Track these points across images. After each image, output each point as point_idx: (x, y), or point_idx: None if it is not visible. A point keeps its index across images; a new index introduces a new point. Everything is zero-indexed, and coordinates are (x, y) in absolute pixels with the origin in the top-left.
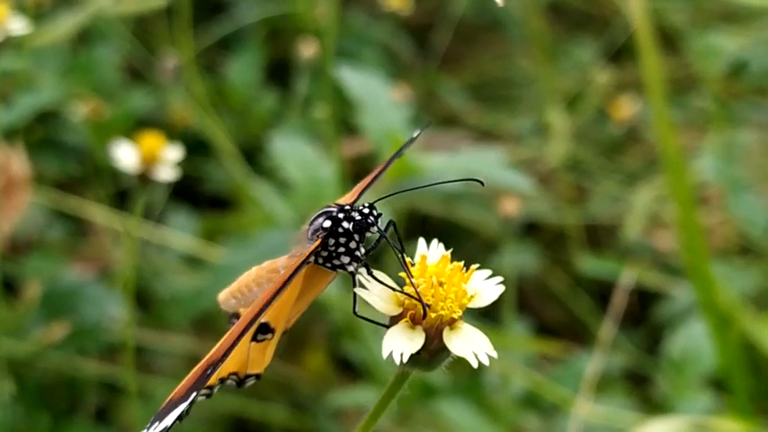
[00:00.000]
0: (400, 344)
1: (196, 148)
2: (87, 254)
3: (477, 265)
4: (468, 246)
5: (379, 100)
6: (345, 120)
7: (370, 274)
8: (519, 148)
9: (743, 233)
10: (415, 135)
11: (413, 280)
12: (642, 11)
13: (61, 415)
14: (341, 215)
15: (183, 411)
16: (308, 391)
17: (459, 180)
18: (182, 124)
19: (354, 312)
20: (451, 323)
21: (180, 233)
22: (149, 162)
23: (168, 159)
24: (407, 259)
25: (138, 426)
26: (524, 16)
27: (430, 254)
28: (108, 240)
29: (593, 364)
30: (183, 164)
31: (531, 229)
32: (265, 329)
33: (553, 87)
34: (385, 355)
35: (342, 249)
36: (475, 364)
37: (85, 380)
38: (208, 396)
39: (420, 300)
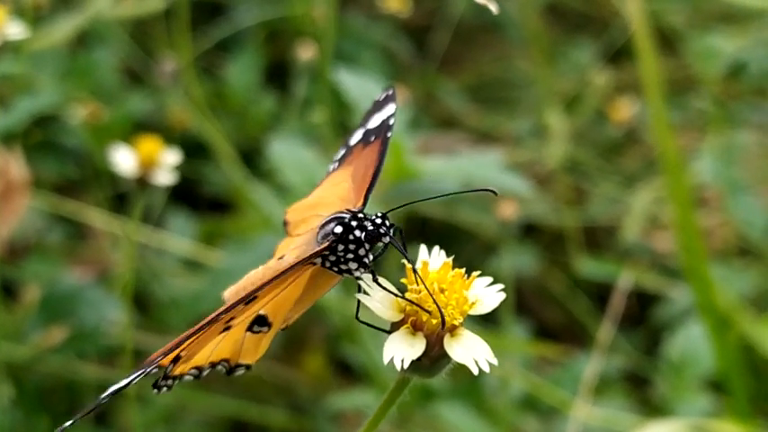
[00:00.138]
0: (401, 350)
1: (195, 150)
2: (86, 257)
3: (479, 273)
4: (468, 248)
5: None
6: (343, 123)
7: (375, 280)
8: (518, 150)
9: (742, 235)
10: (379, 98)
11: (426, 288)
12: (640, 12)
13: (60, 418)
14: (353, 223)
15: (148, 374)
16: (307, 394)
17: (472, 191)
18: (180, 127)
19: (357, 317)
20: (452, 330)
21: (179, 236)
22: (148, 166)
23: (166, 163)
24: (416, 267)
25: (137, 429)
26: (523, 18)
27: (431, 260)
28: (107, 243)
29: (591, 366)
30: (182, 166)
31: (530, 231)
32: (262, 322)
33: (552, 89)
34: (386, 361)
35: (350, 256)
36: (476, 371)
37: (84, 383)
38: (196, 377)
39: (440, 310)
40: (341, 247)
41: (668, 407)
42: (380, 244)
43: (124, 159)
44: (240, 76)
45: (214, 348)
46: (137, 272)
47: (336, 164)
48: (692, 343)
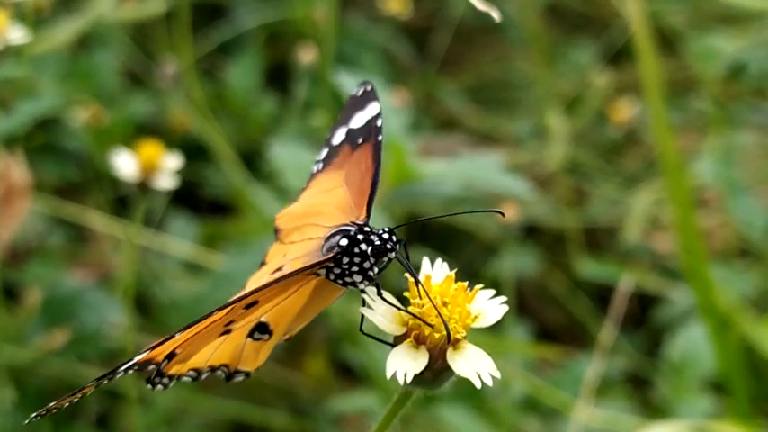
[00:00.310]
0: (404, 364)
1: (195, 153)
2: (87, 260)
3: (481, 286)
4: (469, 249)
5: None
6: None
7: (379, 294)
8: (518, 152)
9: (742, 236)
10: (356, 93)
11: (432, 301)
12: (640, 13)
13: (62, 421)
14: (359, 236)
15: (135, 366)
16: (308, 396)
17: (481, 211)
18: (181, 129)
19: (361, 330)
20: (455, 343)
21: (180, 239)
22: (149, 171)
23: (168, 168)
24: (418, 279)
25: (138, 431)
26: (523, 19)
27: (434, 272)
28: (108, 246)
29: (592, 367)
30: (183, 169)
31: (530, 233)
32: (263, 329)
33: (552, 90)
34: (389, 375)
35: (355, 268)
36: (478, 385)
37: None
38: (194, 379)
39: (445, 324)
40: (345, 259)
41: (669, 408)
42: (385, 258)
43: (125, 164)
44: (241, 78)
45: (213, 352)
46: (138, 275)
47: (320, 164)
48: (692, 344)
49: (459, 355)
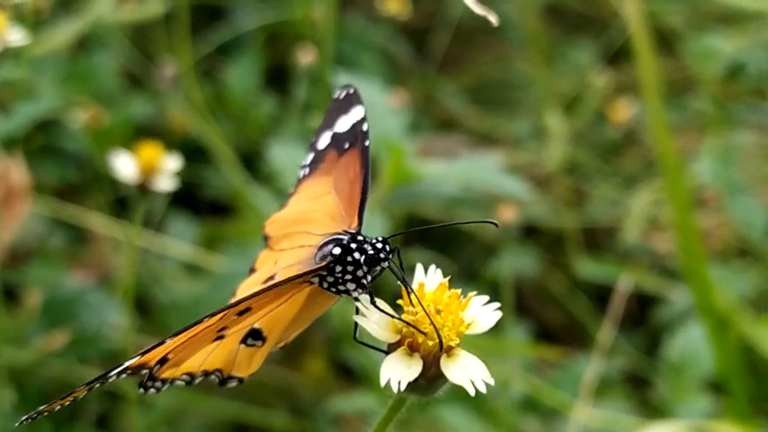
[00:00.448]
0: (398, 372)
1: (195, 154)
2: (87, 261)
3: (475, 293)
4: (468, 249)
5: (377, 107)
6: None
7: (373, 303)
8: (517, 152)
9: (741, 236)
10: (338, 96)
11: (425, 310)
12: (639, 13)
13: (62, 422)
14: (353, 245)
15: (127, 371)
16: (308, 397)
17: (476, 222)
18: (181, 131)
19: (355, 338)
20: (449, 350)
21: (179, 240)
22: (148, 172)
23: (167, 169)
24: (411, 288)
25: None
26: (522, 19)
27: (428, 279)
28: (108, 247)
29: (592, 367)
30: (183, 170)
31: (530, 233)
32: (257, 335)
33: (551, 90)
34: (383, 383)
35: (348, 277)
36: (472, 392)
37: None
38: (188, 383)
39: (438, 332)
40: (339, 268)
41: (668, 408)
42: (378, 267)
43: (125, 166)
44: (240, 79)
45: (207, 357)
46: (138, 276)
47: (307, 170)
48: (691, 344)
49: (453, 363)
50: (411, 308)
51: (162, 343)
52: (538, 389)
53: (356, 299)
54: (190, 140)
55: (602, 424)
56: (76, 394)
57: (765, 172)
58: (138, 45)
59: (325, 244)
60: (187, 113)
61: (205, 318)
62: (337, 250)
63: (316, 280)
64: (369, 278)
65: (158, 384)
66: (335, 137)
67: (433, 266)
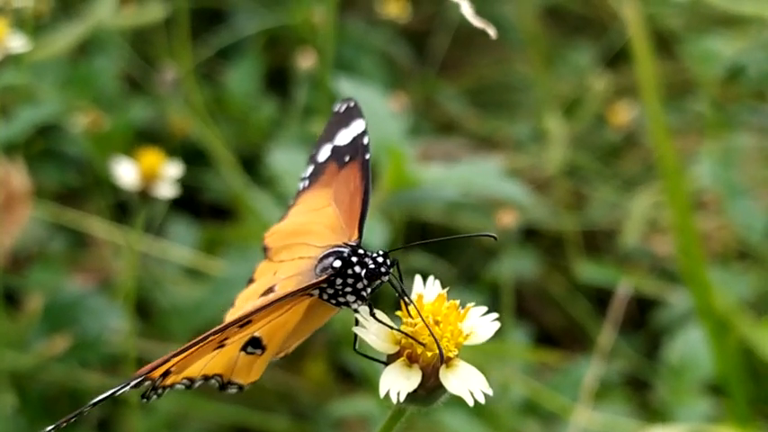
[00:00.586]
0: (397, 383)
1: (195, 157)
2: (88, 265)
3: (473, 304)
4: (468, 252)
5: (377, 111)
6: None
7: (372, 314)
8: (517, 155)
9: (741, 238)
10: (339, 109)
11: (424, 321)
12: (638, 15)
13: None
14: (353, 258)
15: (136, 386)
16: (308, 401)
17: (475, 235)
18: (181, 134)
19: (355, 349)
20: (447, 361)
21: (180, 244)
22: (149, 179)
23: (168, 176)
24: (410, 301)
25: None
26: (521, 21)
27: (426, 291)
28: (108, 252)
29: (592, 370)
30: (183, 174)
31: (530, 235)
32: (256, 344)
33: (551, 92)
34: (382, 393)
35: (348, 289)
36: (471, 403)
37: (87, 391)
38: (188, 387)
39: (438, 343)
40: (339, 281)
41: (668, 411)
42: (378, 281)
43: (126, 172)
44: (240, 82)
45: (207, 362)
46: (138, 280)
47: (306, 182)
48: (691, 347)
49: (452, 373)
50: (410, 319)
51: (167, 361)
52: (538, 392)
53: (355, 310)
54: (190, 144)
55: (602, 427)
56: (83, 411)
57: (765, 174)
58: (138, 49)
59: (326, 256)
60: (187, 117)
61: (210, 334)
62: (338, 263)
63: (316, 291)
64: (368, 291)
65: (159, 391)
66: (336, 150)
67: (431, 277)
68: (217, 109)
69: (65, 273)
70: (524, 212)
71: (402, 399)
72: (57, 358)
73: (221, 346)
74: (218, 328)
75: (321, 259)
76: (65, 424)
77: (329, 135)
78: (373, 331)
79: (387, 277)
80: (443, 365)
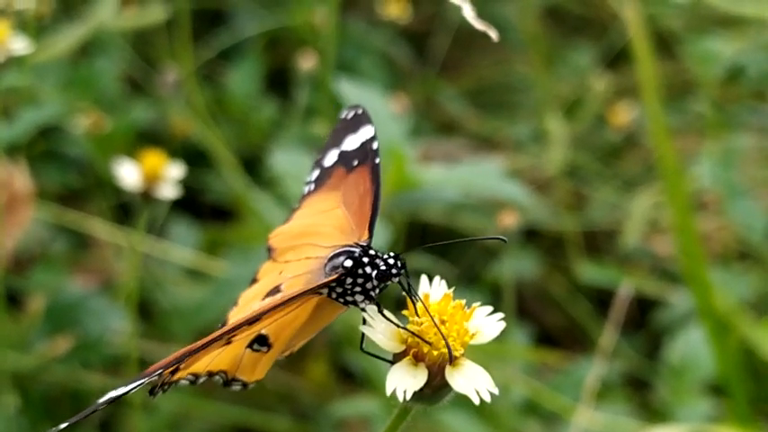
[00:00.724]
0: (404, 381)
1: (196, 159)
2: (90, 266)
3: (479, 303)
4: (469, 253)
5: (378, 112)
6: None
7: (380, 312)
8: (518, 155)
9: (741, 238)
10: (346, 115)
11: (433, 319)
12: (638, 16)
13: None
14: (365, 259)
15: (146, 384)
16: (310, 401)
17: (489, 238)
18: (182, 136)
19: (362, 348)
20: (453, 360)
21: (181, 245)
22: (151, 180)
23: (170, 177)
24: (419, 299)
25: None
26: (522, 22)
27: (432, 290)
28: (110, 253)
29: (593, 371)
30: (184, 175)
31: (530, 236)
32: (263, 341)
33: (551, 93)
34: (389, 392)
35: (358, 289)
36: (477, 401)
37: (89, 392)
38: (192, 382)
39: (446, 342)
40: (349, 280)
41: (669, 411)
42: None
43: (128, 173)
44: (241, 83)
45: (213, 358)
46: (140, 281)
47: (312, 185)
48: (692, 347)
49: (458, 372)
50: (416, 318)
51: (180, 359)
52: (539, 392)
53: (363, 309)
54: (191, 145)
55: (603, 427)
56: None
57: (765, 175)
58: (139, 51)
59: (336, 255)
60: (188, 118)
61: (219, 334)
62: (349, 263)
63: (324, 290)
64: (377, 291)
65: (165, 387)
66: (343, 154)
67: (437, 277)
68: (218, 110)
69: (67, 274)
70: (525, 213)
71: (408, 397)
72: (59, 359)
73: (228, 342)
74: (231, 325)
75: (331, 258)
76: (72, 423)
77: (336, 140)
78: (380, 330)
79: (397, 279)
80: (449, 364)
